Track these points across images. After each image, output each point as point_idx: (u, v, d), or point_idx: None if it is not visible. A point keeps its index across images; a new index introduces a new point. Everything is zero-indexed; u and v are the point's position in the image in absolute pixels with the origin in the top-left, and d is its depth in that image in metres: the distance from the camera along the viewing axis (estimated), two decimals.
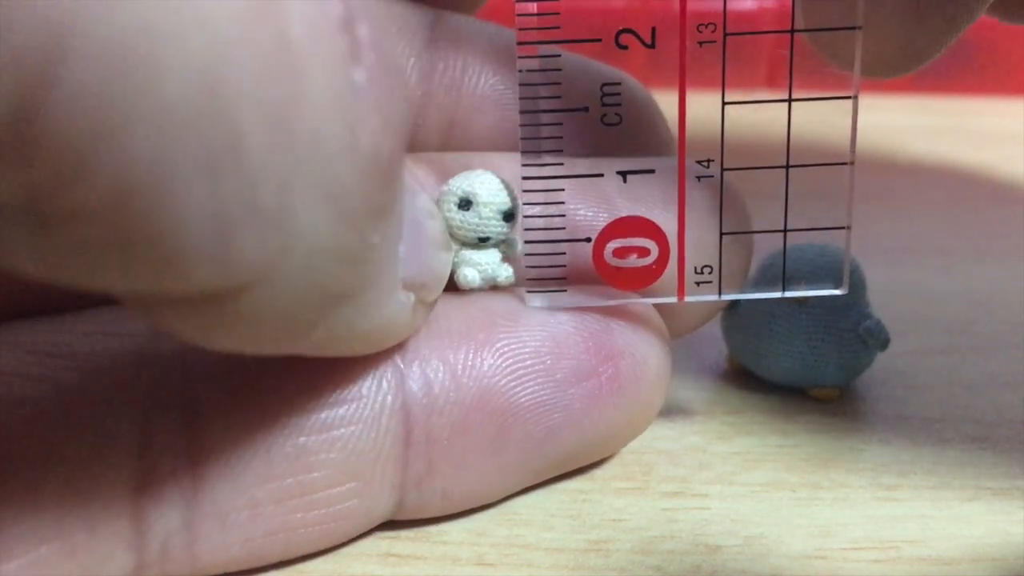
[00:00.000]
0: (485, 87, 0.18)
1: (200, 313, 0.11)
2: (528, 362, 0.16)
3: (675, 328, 0.18)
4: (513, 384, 0.15)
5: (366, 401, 0.15)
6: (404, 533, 0.16)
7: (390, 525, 0.16)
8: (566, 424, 0.16)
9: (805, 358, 0.19)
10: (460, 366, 0.15)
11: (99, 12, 0.08)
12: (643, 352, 0.16)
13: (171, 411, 0.14)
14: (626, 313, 0.16)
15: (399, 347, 0.15)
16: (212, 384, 0.15)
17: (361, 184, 0.11)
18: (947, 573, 0.15)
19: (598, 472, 0.18)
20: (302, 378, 0.15)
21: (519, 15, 0.15)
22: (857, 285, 0.19)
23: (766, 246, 0.20)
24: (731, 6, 0.15)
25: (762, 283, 0.19)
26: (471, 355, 0.15)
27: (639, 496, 0.17)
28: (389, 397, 0.15)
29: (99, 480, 0.14)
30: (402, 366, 0.15)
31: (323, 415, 0.15)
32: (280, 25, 0.10)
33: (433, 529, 0.16)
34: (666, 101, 0.17)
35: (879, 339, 0.19)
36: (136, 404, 0.14)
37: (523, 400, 0.16)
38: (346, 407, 0.15)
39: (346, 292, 0.12)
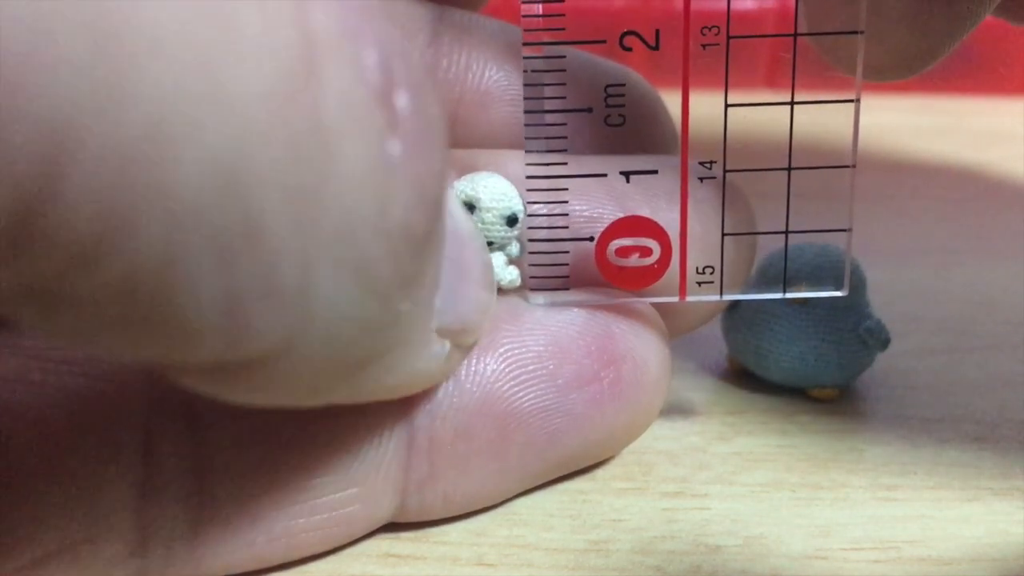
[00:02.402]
0: (489, 83, 0.18)
1: (218, 380, 0.11)
2: (531, 367, 0.16)
3: (675, 328, 0.18)
4: (516, 389, 0.15)
5: (369, 407, 0.15)
6: (404, 533, 0.16)
7: (390, 525, 0.16)
8: (568, 428, 0.16)
9: (805, 358, 0.19)
10: (463, 371, 0.15)
11: (105, 111, 0.07)
12: (644, 356, 0.16)
13: (175, 417, 0.14)
14: (627, 316, 0.16)
15: None
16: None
17: (390, 258, 0.10)
18: (947, 573, 0.15)
19: (598, 472, 0.18)
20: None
21: (524, 16, 0.15)
22: (857, 285, 0.19)
23: (767, 246, 0.20)
24: (735, 8, 0.15)
25: (762, 283, 0.19)
26: (474, 359, 0.15)
27: (639, 496, 0.17)
28: (392, 403, 0.15)
29: (103, 485, 0.13)
30: None
31: (326, 421, 0.14)
32: (313, 103, 0.09)
33: (433, 529, 0.16)
34: (669, 102, 0.17)
35: (879, 339, 0.19)
36: (140, 410, 0.14)
37: (526, 405, 0.15)
38: (349, 413, 0.15)
39: (372, 357, 0.12)
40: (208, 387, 0.11)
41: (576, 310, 0.16)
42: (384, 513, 0.15)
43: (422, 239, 0.11)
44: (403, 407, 0.15)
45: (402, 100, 0.10)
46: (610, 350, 0.16)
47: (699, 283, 0.16)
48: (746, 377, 0.20)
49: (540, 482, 0.17)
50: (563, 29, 0.15)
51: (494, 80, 0.18)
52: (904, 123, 0.35)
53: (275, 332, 0.10)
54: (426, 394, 0.15)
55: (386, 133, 0.10)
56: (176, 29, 0.08)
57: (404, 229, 0.10)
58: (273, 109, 0.08)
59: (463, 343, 0.14)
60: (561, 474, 0.17)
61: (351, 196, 0.09)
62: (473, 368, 0.15)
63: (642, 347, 0.16)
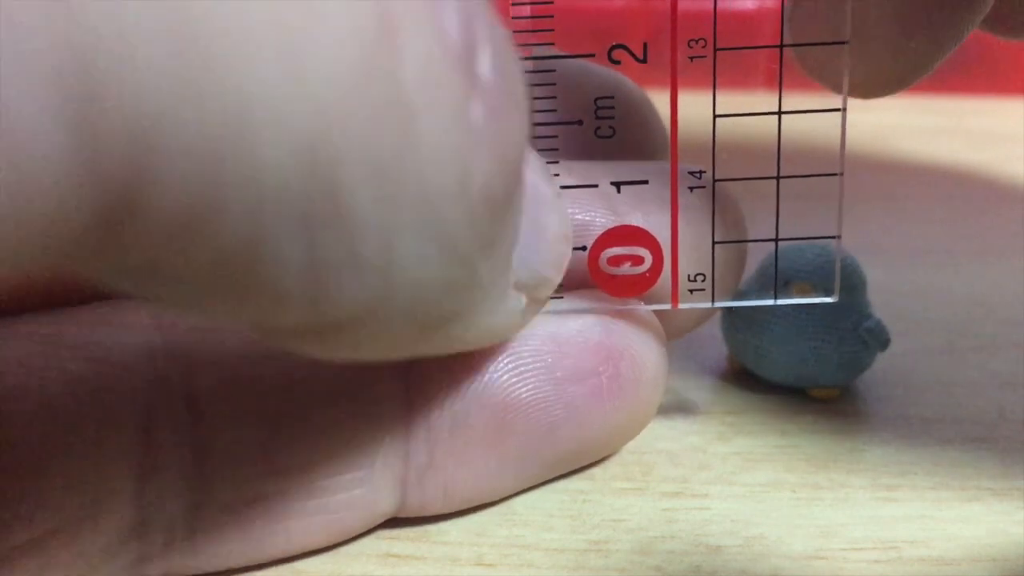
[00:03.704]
0: None
1: (307, 340, 0.11)
2: (527, 359, 0.16)
3: (670, 330, 0.18)
4: (513, 380, 0.15)
5: (367, 393, 0.15)
6: (404, 533, 0.16)
7: (390, 525, 0.16)
8: (566, 422, 0.16)
9: (805, 358, 0.19)
10: (459, 363, 0.15)
11: (190, 106, 0.08)
12: (642, 354, 0.17)
13: (174, 401, 0.14)
14: (624, 315, 0.17)
15: None
16: (215, 376, 0.15)
17: (471, 224, 0.10)
18: (947, 573, 0.15)
19: (598, 472, 0.18)
20: (305, 372, 0.15)
21: (514, 17, 0.15)
22: (857, 285, 0.19)
23: (766, 245, 0.20)
24: (728, 11, 0.15)
25: (761, 283, 0.19)
26: (471, 352, 0.15)
27: (639, 496, 0.17)
28: (390, 388, 0.15)
29: (102, 466, 0.14)
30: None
31: (325, 408, 0.15)
32: (394, 76, 0.09)
33: (433, 529, 0.16)
34: (661, 108, 0.17)
35: (879, 339, 0.19)
36: (140, 393, 0.14)
37: (523, 396, 0.16)
38: (348, 399, 0.15)
39: (452, 316, 0.12)
40: (297, 346, 0.11)
41: (574, 308, 0.16)
42: (385, 505, 0.16)
43: (502, 204, 0.11)
44: (401, 395, 0.15)
45: (483, 64, 0.10)
46: (608, 347, 0.16)
47: (691, 290, 0.16)
48: (746, 377, 0.20)
49: (539, 480, 0.17)
50: (552, 31, 0.15)
51: None
52: (904, 123, 0.35)
53: (359, 298, 0.10)
54: (424, 383, 0.15)
55: (467, 99, 0.10)
56: (259, 20, 0.08)
57: (485, 195, 0.10)
58: (354, 86, 0.08)
59: (539, 296, 0.14)
60: (559, 473, 0.17)
61: (432, 165, 0.09)
62: (470, 360, 0.15)
63: (639, 345, 0.16)
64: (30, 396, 0.14)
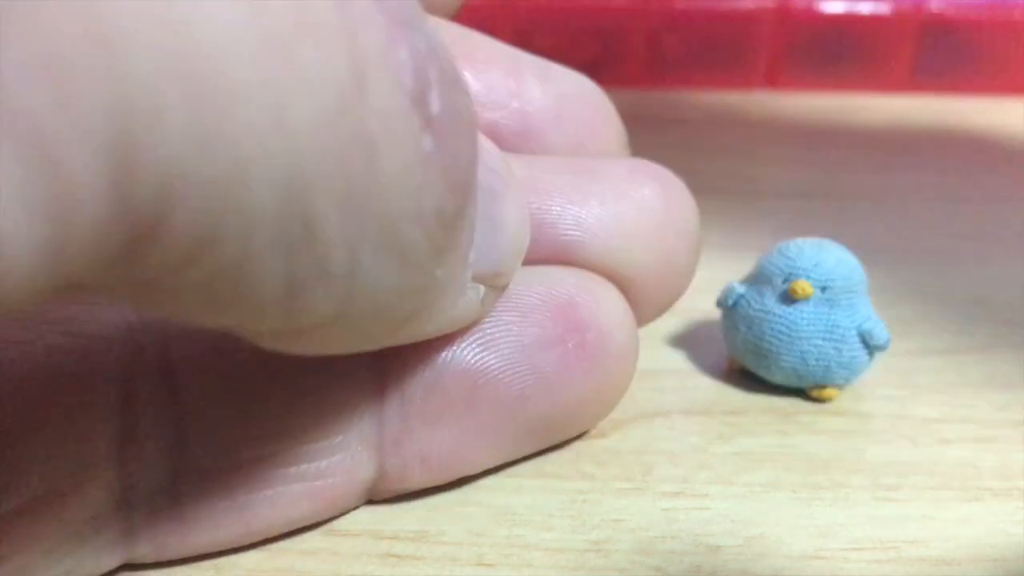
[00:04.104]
0: None
1: (282, 340, 0.12)
2: (494, 329, 0.16)
3: (643, 312, 0.18)
4: (480, 349, 0.16)
5: (342, 361, 0.15)
6: (404, 533, 0.16)
7: (390, 526, 0.16)
8: (537, 388, 0.16)
9: (805, 358, 0.19)
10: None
11: (199, 156, 0.09)
12: (608, 326, 0.17)
13: (152, 372, 0.15)
14: (590, 291, 0.17)
15: None
16: (192, 346, 0.15)
17: (426, 238, 0.12)
18: (947, 573, 0.15)
19: (598, 472, 0.18)
20: None
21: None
22: (857, 285, 0.19)
23: (765, 244, 0.20)
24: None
25: (760, 282, 0.20)
26: None
27: (639, 496, 0.17)
28: (364, 357, 0.15)
29: (84, 435, 0.14)
30: None
31: (301, 375, 0.15)
32: (361, 118, 0.10)
33: (433, 529, 0.16)
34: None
35: (879, 339, 0.19)
36: (119, 364, 0.15)
37: (492, 363, 0.16)
38: (323, 367, 0.15)
39: (413, 315, 0.13)
40: (272, 344, 0.12)
41: (538, 284, 0.16)
42: (364, 473, 0.16)
43: (453, 218, 0.12)
44: (374, 363, 0.16)
45: (434, 100, 0.11)
46: (574, 318, 0.16)
47: None
48: (746, 377, 0.20)
49: (516, 453, 0.17)
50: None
51: None
52: (905, 122, 0.35)
53: (327, 306, 0.11)
54: (396, 352, 0.15)
55: (421, 133, 0.11)
56: (253, 75, 0.09)
57: (437, 212, 0.12)
58: (326, 127, 0.10)
59: (498, 284, 0.15)
60: (539, 446, 0.17)
61: (391, 191, 0.11)
62: None
63: (605, 318, 0.17)
64: (9, 368, 0.14)
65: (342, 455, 0.16)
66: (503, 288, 0.15)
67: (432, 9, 0.18)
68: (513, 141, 0.17)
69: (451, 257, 0.13)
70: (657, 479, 0.17)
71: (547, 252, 0.17)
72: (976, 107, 0.37)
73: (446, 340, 0.16)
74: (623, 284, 0.17)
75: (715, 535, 0.16)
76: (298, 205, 0.10)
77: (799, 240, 0.20)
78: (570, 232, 0.17)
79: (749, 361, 0.20)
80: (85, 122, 0.08)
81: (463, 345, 0.16)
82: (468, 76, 0.17)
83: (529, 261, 0.16)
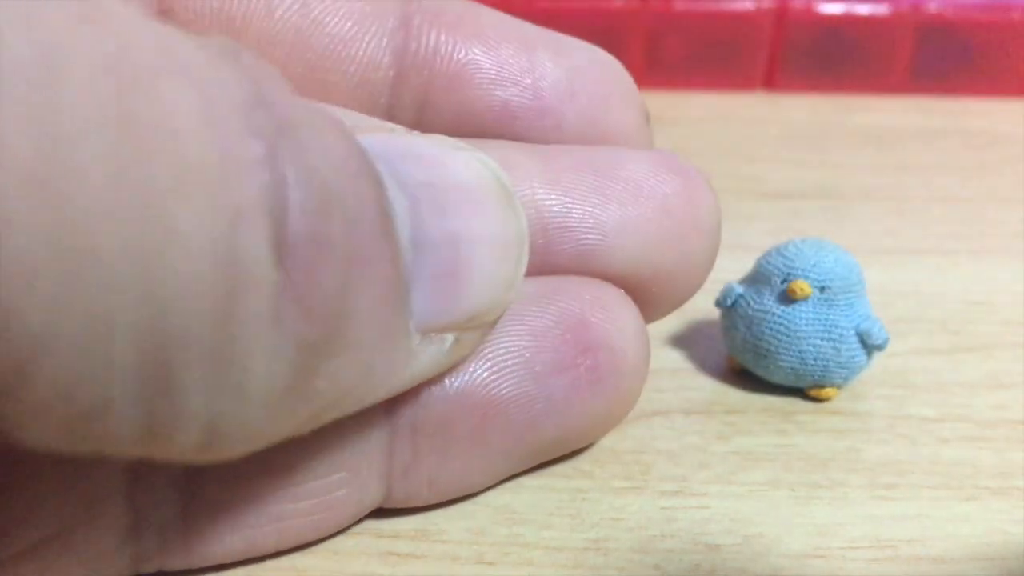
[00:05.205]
0: (458, 66, 0.17)
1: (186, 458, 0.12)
2: (506, 355, 0.16)
3: (648, 315, 0.18)
4: (494, 377, 0.16)
5: None
6: (404, 532, 0.16)
7: (390, 525, 0.16)
8: (547, 415, 0.16)
9: (804, 358, 0.19)
10: None
11: (64, 317, 0.09)
12: (621, 344, 0.16)
13: None
14: (602, 306, 0.16)
15: None
16: None
17: (289, 367, 0.11)
18: (945, 572, 0.15)
19: (597, 471, 0.18)
20: None
21: None
22: (855, 285, 0.19)
23: (763, 244, 0.20)
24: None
25: (758, 282, 0.20)
26: None
27: (638, 495, 0.17)
28: None
29: (94, 471, 0.14)
30: None
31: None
32: (225, 265, 0.10)
33: (433, 528, 0.16)
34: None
35: (878, 339, 0.19)
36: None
37: (504, 392, 0.16)
38: None
39: (320, 412, 0.12)
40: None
41: (550, 303, 0.16)
42: (371, 499, 0.16)
43: (315, 354, 0.12)
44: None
45: (294, 222, 0.11)
46: (586, 339, 0.16)
47: None
48: (746, 377, 0.20)
49: (524, 468, 0.17)
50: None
51: (463, 64, 0.17)
52: (904, 123, 0.35)
53: (196, 440, 0.11)
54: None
55: (273, 269, 0.11)
56: (121, 239, 0.09)
57: (297, 342, 0.11)
58: (192, 284, 0.10)
59: (476, 327, 0.14)
60: (544, 460, 0.17)
61: (248, 332, 0.11)
62: None
63: (618, 335, 0.16)
64: None
65: (351, 488, 0.15)
66: (486, 330, 0.15)
67: None
68: (527, 117, 0.17)
69: (333, 366, 0.12)
70: (656, 478, 0.18)
71: (566, 258, 0.16)
72: (974, 108, 0.37)
73: (456, 371, 0.15)
74: (640, 286, 0.17)
75: (714, 534, 0.16)
76: (161, 355, 0.10)
77: (797, 240, 0.20)
78: (589, 237, 0.16)
79: (748, 361, 0.20)
80: None
81: (474, 372, 0.15)
82: (479, 53, 0.17)
83: (548, 265, 0.16)
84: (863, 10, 0.36)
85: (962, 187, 0.31)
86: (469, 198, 0.14)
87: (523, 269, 0.15)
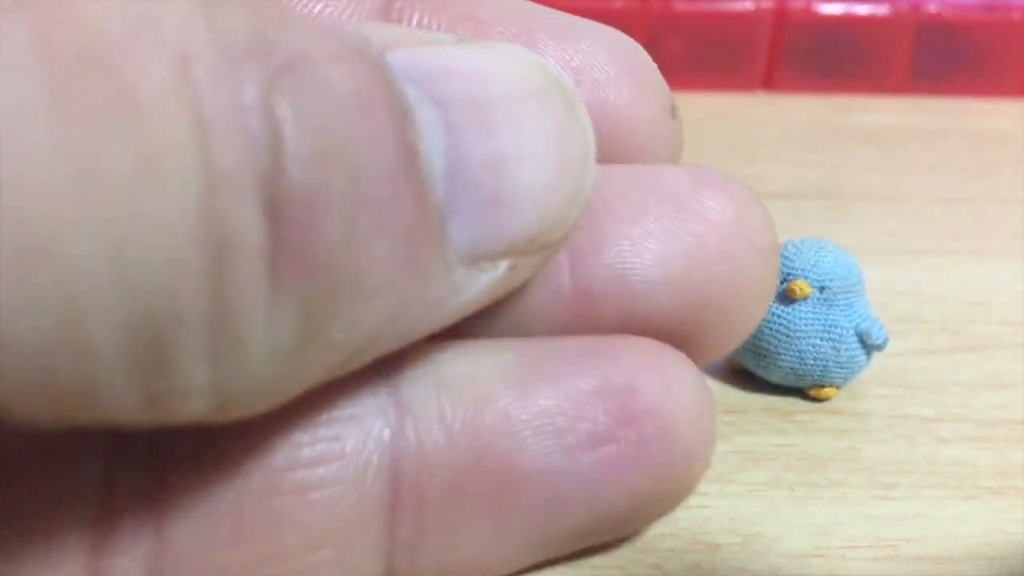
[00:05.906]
0: None
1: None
2: (536, 422, 0.14)
3: (714, 351, 0.16)
4: (515, 445, 0.14)
5: (348, 460, 0.13)
6: None
7: None
8: (577, 494, 0.14)
9: (803, 357, 0.19)
10: (458, 423, 0.13)
11: (18, 317, 0.09)
12: (673, 414, 0.14)
13: (134, 461, 0.13)
14: (655, 370, 0.14)
15: (390, 399, 0.14)
16: (178, 436, 0.13)
17: (292, 328, 0.11)
18: (944, 572, 0.15)
19: None
20: (276, 431, 0.13)
21: None
22: (855, 285, 0.19)
23: None
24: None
25: None
26: (471, 412, 0.14)
27: None
28: (375, 456, 0.13)
29: (55, 537, 0.12)
30: (392, 420, 0.13)
31: (299, 473, 0.13)
32: (216, 261, 0.10)
33: None
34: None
35: (877, 339, 0.19)
36: (98, 455, 0.13)
37: (527, 464, 0.14)
38: (325, 466, 0.13)
39: (350, 357, 0.12)
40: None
41: (591, 364, 0.14)
42: None
43: (325, 309, 0.11)
44: (387, 461, 0.13)
45: (289, 166, 0.10)
46: (632, 408, 0.14)
47: None
48: (746, 377, 0.20)
49: (549, 556, 0.15)
50: None
51: None
52: (904, 123, 0.36)
53: (199, 410, 0.11)
54: (414, 446, 0.13)
55: (266, 226, 0.10)
56: (88, 225, 0.09)
57: (300, 301, 0.11)
58: (171, 266, 0.10)
59: (533, 253, 0.13)
60: (575, 549, 0.15)
61: (243, 302, 0.10)
62: (469, 420, 0.14)
63: (671, 403, 0.14)
64: None
65: (342, 567, 0.13)
66: (555, 246, 0.13)
67: None
68: None
69: (351, 315, 0.11)
70: None
71: (610, 309, 0.14)
72: (974, 108, 0.37)
73: (474, 430, 0.13)
74: (694, 329, 0.15)
75: (714, 533, 0.16)
76: (148, 334, 0.10)
77: (797, 240, 0.20)
78: (633, 279, 0.14)
79: (748, 360, 0.20)
80: None
81: (495, 437, 0.14)
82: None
83: (586, 321, 0.14)
84: (862, 10, 0.36)
85: (962, 187, 0.31)
86: (519, 111, 0.12)
87: (589, 181, 0.13)
